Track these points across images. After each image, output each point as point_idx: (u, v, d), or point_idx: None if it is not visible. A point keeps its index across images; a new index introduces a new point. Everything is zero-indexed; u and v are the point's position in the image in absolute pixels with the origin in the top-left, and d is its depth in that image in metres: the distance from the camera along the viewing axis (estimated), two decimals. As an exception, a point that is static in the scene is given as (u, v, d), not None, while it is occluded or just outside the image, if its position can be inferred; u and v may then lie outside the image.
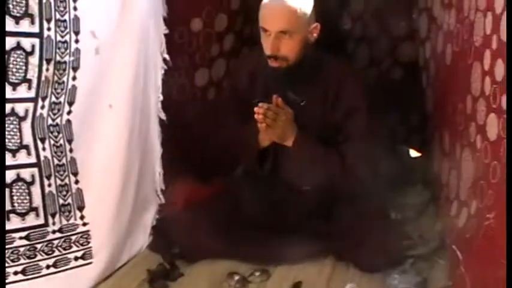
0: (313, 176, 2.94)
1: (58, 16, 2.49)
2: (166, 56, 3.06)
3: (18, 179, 2.48)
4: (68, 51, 2.54)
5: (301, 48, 2.90)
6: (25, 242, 2.54)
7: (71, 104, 2.60)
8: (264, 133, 2.94)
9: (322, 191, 2.99)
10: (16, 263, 2.52)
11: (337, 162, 2.95)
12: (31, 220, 2.55)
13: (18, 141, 2.45)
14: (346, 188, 2.93)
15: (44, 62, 2.46)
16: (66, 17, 2.52)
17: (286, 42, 2.84)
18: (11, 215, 2.49)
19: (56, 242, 2.66)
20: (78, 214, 2.71)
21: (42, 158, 2.53)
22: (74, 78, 2.59)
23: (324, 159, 2.96)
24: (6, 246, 2.46)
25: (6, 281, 2.45)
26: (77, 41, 2.57)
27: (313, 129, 3.00)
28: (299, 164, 2.97)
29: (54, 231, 2.64)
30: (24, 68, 2.41)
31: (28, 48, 2.41)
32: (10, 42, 2.36)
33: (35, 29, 2.42)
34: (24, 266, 2.55)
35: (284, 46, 2.84)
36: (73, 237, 2.71)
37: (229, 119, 3.20)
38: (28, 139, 2.47)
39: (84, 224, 2.74)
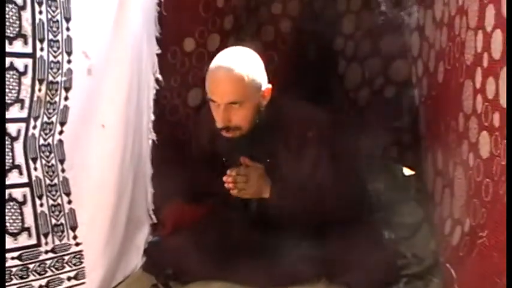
0: (295, 221, 2.86)
1: (51, 36, 2.49)
2: (159, 76, 3.06)
3: (10, 198, 2.47)
4: (60, 71, 2.54)
5: (254, 115, 2.79)
6: (17, 262, 2.53)
7: (62, 124, 2.60)
8: (237, 195, 2.88)
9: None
10: (9, 284, 2.50)
11: (316, 204, 2.86)
12: (23, 240, 2.54)
13: (11, 161, 2.45)
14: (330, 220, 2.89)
15: (37, 82, 2.46)
16: (59, 37, 2.52)
17: (237, 112, 2.73)
18: (3, 235, 2.48)
19: (48, 262, 2.64)
20: (71, 234, 2.70)
21: (33, 178, 2.52)
22: (66, 98, 2.59)
23: (302, 205, 2.87)
24: (-2, 267, 2.46)
25: (-1, 302, 2.44)
26: (69, 61, 2.57)
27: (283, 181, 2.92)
28: (279, 213, 2.90)
29: (46, 251, 2.63)
30: (17, 88, 2.41)
31: (21, 69, 2.40)
32: (3, 62, 2.36)
33: (28, 49, 2.42)
34: (17, 286, 2.54)
35: (235, 116, 2.74)
36: (66, 257, 2.70)
37: (204, 168, 3.17)
38: (20, 159, 2.47)
39: (77, 244, 2.73)
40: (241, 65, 2.70)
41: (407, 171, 3.98)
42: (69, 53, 2.57)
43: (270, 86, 2.82)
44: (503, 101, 1.98)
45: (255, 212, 3.02)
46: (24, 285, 2.56)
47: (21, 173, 2.49)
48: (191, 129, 3.38)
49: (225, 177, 2.82)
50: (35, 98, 2.47)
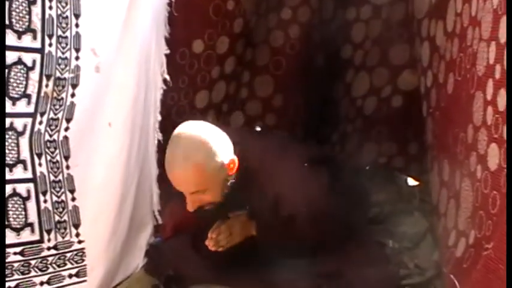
0: (287, 246, 2.81)
1: (60, 32, 2.48)
2: (167, 77, 3.06)
3: (14, 193, 2.46)
4: (68, 67, 2.54)
5: (222, 189, 2.69)
6: (19, 257, 2.52)
7: (68, 120, 2.59)
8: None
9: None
10: (10, 279, 2.50)
11: (303, 230, 2.80)
12: (26, 236, 2.53)
13: (16, 155, 2.44)
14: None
15: (44, 78, 2.45)
16: (68, 33, 2.52)
17: (204, 196, 2.66)
18: (6, 230, 2.46)
19: (50, 258, 2.64)
20: (74, 231, 2.70)
21: (38, 174, 2.52)
22: (73, 95, 2.58)
23: (290, 234, 2.83)
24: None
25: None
26: (77, 58, 2.57)
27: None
28: (269, 245, 2.85)
29: (49, 248, 2.62)
30: (24, 83, 2.41)
31: (29, 64, 2.40)
32: (12, 56, 2.35)
33: (37, 44, 2.42)
34: (18, 281, 2.53)
35: (204, 198, 2.67)
36: (68, 255, 2.70)
37: None
38: (25, 154, 2.46)
39: (80, 242, 2.73)
40: (197, 151, 2.58)
41: (412, 182, 3.98)
42: (77, 50, 2.57)
43: (234, 157, 2.70)
44: (514, 113, 1.97)
45: None
46: (25, 281, 2.56)
47: (25, 168, 2.48)
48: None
49: (207, 241, 2.81)
50: (42, 94, 2.46)
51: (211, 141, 2.61)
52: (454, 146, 2.68)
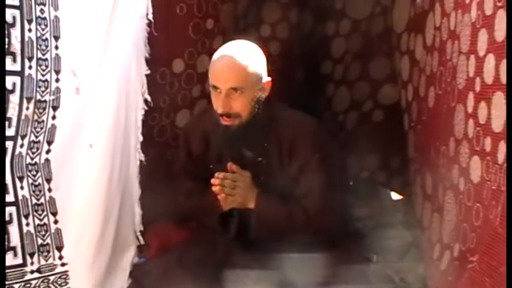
0: (278, 234, 2.87)
1: (40, 55, 2.48)
2: (148, 97, 3.05)
3: (-4, 217, 2.45)
4: (48, 90, 2.53)
5: (253, 104, 2.86)
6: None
7: (50, 143, 2.58)
8: (224, 202, 2.92)
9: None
10: (-7, 303, 2.48)
11: (300, 218, 2.91)
12: (9, 260, 2.52)
13: (-2, 179, 2.43)
14: (313, 241, 2.82)
15: (25, 101, 2.45)
16: (48, 55, 2.51)
17: (238, 99, 2.80)
18: (-12, 255, 2.44)
19: (34, 282, 2.62)
20: (57, 254, 2.69)
21: (20, 197, 2.51)
22: (54, 117, 2.58)
23: (287, 217, 2.91)
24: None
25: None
26: (57, 80, 2.57)
27: (271, 184, 2.97)
28: (263, 225, 2.92)
29: (32, 271, 2.61)
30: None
31: (9, 87, 2.40)
32: (-9, 79, 2.34)
33: (17, 67, 2.42)
34: (2, 306, 2.51)
35: (236, 103, 2.81)
36: (51, 278, 2.68)
37: (188, 185, 3.21)
38: (7, 177, 2.46)
39: (63, 264, 2.72)
40: (244, 55, 2.81)
41: (395, 195, 3.98)
42: (57, 72, 2.57)
43: (269, 79, 2.91)
44: (494, 125, 1.98)
45: (236, 232, 3.03)
46: (9, 305, 2.54)
47: (7, 192, 2.47)
48: (180, 140, 3.35)
49: (212, 179, 2.86)
50: (23, 117, 2.46)
51: (257, 55, 2.88)
52: (436, 160, 2.69)
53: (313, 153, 2.93)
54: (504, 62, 1.90)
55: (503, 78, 1.91)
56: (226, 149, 2.98)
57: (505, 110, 1.89)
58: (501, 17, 1.93)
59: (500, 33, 1.93)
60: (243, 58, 2.79)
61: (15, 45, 2.39)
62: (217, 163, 3.02)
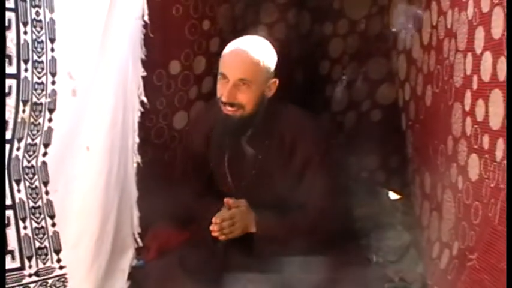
0: (283, 247, 2.87)
1: (35, 57, 2.47)
2: (144, 99, 3.04)
3: (-6, 220, 2.45)
4: (44, 92, 2.53)
5: (258, 100, 2.89)
6: (0, 285, 2.50)
7: (46, 145, 2.58)
8: (224, 239, 2.92)
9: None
10: (-9, 307, 2.48)
11: (303, 224, 2.92)
12: (7, 263, 2.51)
13: (-6, 182, 2.42)
14: (318, 243, 2.86)
15: (21, 103, 2.44)
16: (44, 58, 2.50)
17: (244, 91, 2.83)
18: (-14, 258, 2.44)
19: (32, 285, 2.62)
20: (55, 257, 2.68)
21: (17, 200, 2.50)
22: (50, 120, 2.57)
23: (290, 229, 2.92)
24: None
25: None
26: (53, 83, 2.56)
27: (271, 180, 3.00)
28: (267, 244, 2.92)
29: (30, 275, 2.60)
30: (1, 109, 2.39)
31: (5, 89, 2.38)
32: (-13, 83, 2.33)
33: (12, 70, 2.41)
34: (-1, 310, 2.50)
35: (241, 95, 2.83)
36: (50, 281, 2.68)
37: (190, 186, 3.22)
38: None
39: (61, 268, 2.71)
40: (259, 50, 2.87)
41: (394, 195, 3.98)
42: (53, 74, 2.55)
43: (276, 80, 2.95)
44: (492, 123, 1.97)
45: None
46: (7, 309, 2.54)
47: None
48: (184, 138, 3.42)
49: (211, 226, 2.86)
50: (19, 119, 2.45)
51: (270, 53, 2.94)
52: (434, 158, 2.69)
53: (315, 150, 2.96)
54: (502, 60, 1.89)
55: (501, 76, 1.90)
56: (226, 140, 3.03)
57: (503, 107, 1.88)
58: (498, 14, 1.93)
59: (497, 31, 1.93)
60: (257, 53, 2.85)
61: (11, 47, 2.38)
62: (217, 156, 3.09)
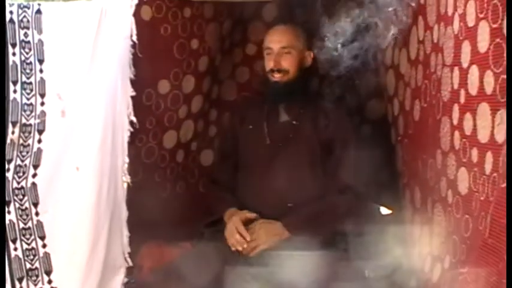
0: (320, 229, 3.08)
1: (24, 78, 2.48)
2: (134, 118, 3.03)
3: (-17, 242, 2.43)
4: (33, 113, 2.53)
5: (299, 66, 3.31)
6: (-10, 308, 2.48)
7: (36, 166, 2.57)
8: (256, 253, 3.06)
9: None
10: (-18, 330, 2.46)
11: (337, 205, 3.18)
12: (-2, 286, 2.50)
13: (-16, 204, 2.41)
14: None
15: (10, 125, 2.43)
16: (32, 79, 2.51)
17: (287, 58, 3.26)
18: (-25, 281, 2.42)
19: (23, 307, 2.60)
20: (46, 278, 2.67)
21: (7, 222, 2.49)
22: (40, 140, 2.57)
23: (323, 213, 3.15)
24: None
25: None
26: (42, 104, 2.56)
27: (304, 146, 3.26)
28: (308, 233, 3.02)
29: (21, 297, 2.59)
30: (-11, 130, 2.39)
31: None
32: (-25, 104, 2.33)
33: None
34: (-10, 333, 2.49)
35: (285, 61, 3.25)
36: (41, 303, 2.66)
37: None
38: (-7, 203, 2.44)
39: (52, 289, 2.69)
40: (292, 26, 3.38)
41: (384, 210, 3.97)
42: (42, 95, 2.56)
43: (311, 52, 3.31)
44: (480, 136, 1.98)
45: None
46: (-3, 332, 2.51)
47: (-7, 217, 2.46)
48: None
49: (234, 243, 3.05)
50: (8, 141, 2.44)
51: (303, 32, 3.38)
52: (424, 173, 2.69)
53: (346, 130, 3.33)
54: (488, 73, 1.91)
55: (488, 89, 1.91)
56: (265, 108, 3.38)
57: (491, 120, 1.90)
58: (483, 28, 1.94)
59: (483, 44, 1.94)
60: (292, 27, 3.35)
61: (0, 69, 2.39)
62: (256, 126, 3.37)
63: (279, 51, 3.25)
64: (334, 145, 3.26)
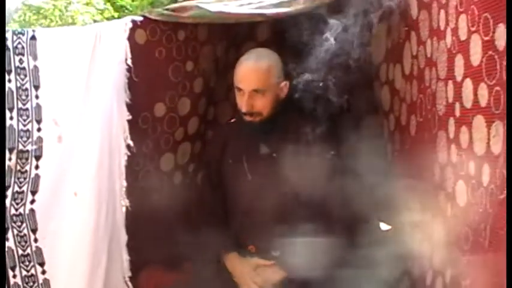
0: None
1: (20, 105, 2.48)
2: (130, 142, 3.03)
3: (-18, 270, 2.43)
4: (30, 139, 2.53)
5: (274, 104, 3.08)
6: (-10, 337, 2.48)
7: (34, 193, 2.57)
8: None
9: None
10: None
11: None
12: (-4, 314, 2.49)
13: (-18, 232, 2.41)
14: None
15: (7, 151, 2.43)
16: (28, 105, 2.52)
17: (259, 99, 3.04)
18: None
19: (23, 335, 2.59)
20: (46, 305, 2.66)
21: (5, 249, 2.48)
22: (37, 167, 2.57)
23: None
24: None
25: None
26: (39, 130, 2.57)
27: (287, 176, 3.05)
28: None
29: (21, 324, 2.58)
30: (-13, 158, 2.39)
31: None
32: (-28, 132, 2.34)
33: (-3, 118, 2.41)
34: None
35: (258, 103, 3.04)
36: (41, 329, 2.65)
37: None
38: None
39: (52, 315, 2.68)
40: (264, 60, 3.09)
41: (384, 226, 3.97)
42: (38, 121, 2.56)
43: (287, 82, 3.13)
44: (477, 149, 1.99)
45: None
46: None
47: (-9, 245, 2.45)
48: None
49: None
50: (6, 168, 2.44)
51: (276, 60, 3.15)
52: (422, 187, 2.69)
53: (327, 152, 3.14)
54: (482, 86, 1.92)
55: (482, 102, 1.92)
56: (246, 145, 3.23)
57: (487, 133, 1.90)
58: (475, 41, 1.95)
59: (476, 57, 1.95)
60: (264, 63, 3.06)
61: (-5, 96, 2.39)
62: (236, 159, 3.24)
63: (251, 93, 3.02)
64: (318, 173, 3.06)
